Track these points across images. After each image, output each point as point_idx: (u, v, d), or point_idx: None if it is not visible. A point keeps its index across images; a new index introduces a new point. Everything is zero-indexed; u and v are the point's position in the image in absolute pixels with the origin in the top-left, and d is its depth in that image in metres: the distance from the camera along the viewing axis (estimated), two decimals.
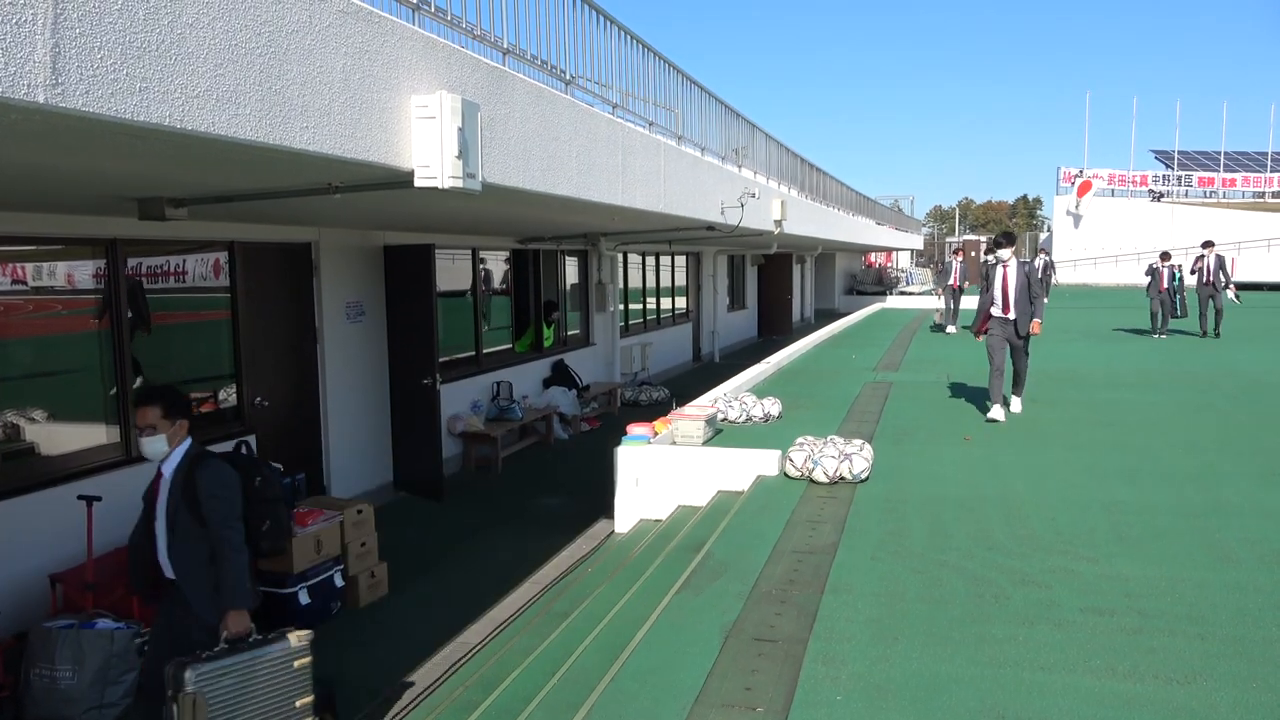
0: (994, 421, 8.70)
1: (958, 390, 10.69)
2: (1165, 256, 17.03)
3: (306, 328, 8.21)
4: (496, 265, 11.72)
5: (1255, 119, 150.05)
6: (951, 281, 19.09)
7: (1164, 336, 16.63)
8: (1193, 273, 16.63)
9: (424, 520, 8.51)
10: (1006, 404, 9.01)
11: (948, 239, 50.95)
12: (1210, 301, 16.39)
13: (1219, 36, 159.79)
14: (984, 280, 9.02)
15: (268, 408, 7.62)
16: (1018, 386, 9.24)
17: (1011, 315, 8.74)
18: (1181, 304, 16.68)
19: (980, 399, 9.69)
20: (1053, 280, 28.46)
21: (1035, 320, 8.79)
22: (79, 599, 5.22)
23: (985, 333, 8.96)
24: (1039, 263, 24.51)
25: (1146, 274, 17.36)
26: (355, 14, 3.62)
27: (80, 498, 5.47)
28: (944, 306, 19.36)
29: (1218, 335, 16.23)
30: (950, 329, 18.14)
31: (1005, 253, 8.86)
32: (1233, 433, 8.22)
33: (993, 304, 8.83)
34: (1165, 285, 16.63)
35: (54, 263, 5.96)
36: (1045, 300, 8.78)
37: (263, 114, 3.13)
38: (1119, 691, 3.49)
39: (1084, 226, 43.00)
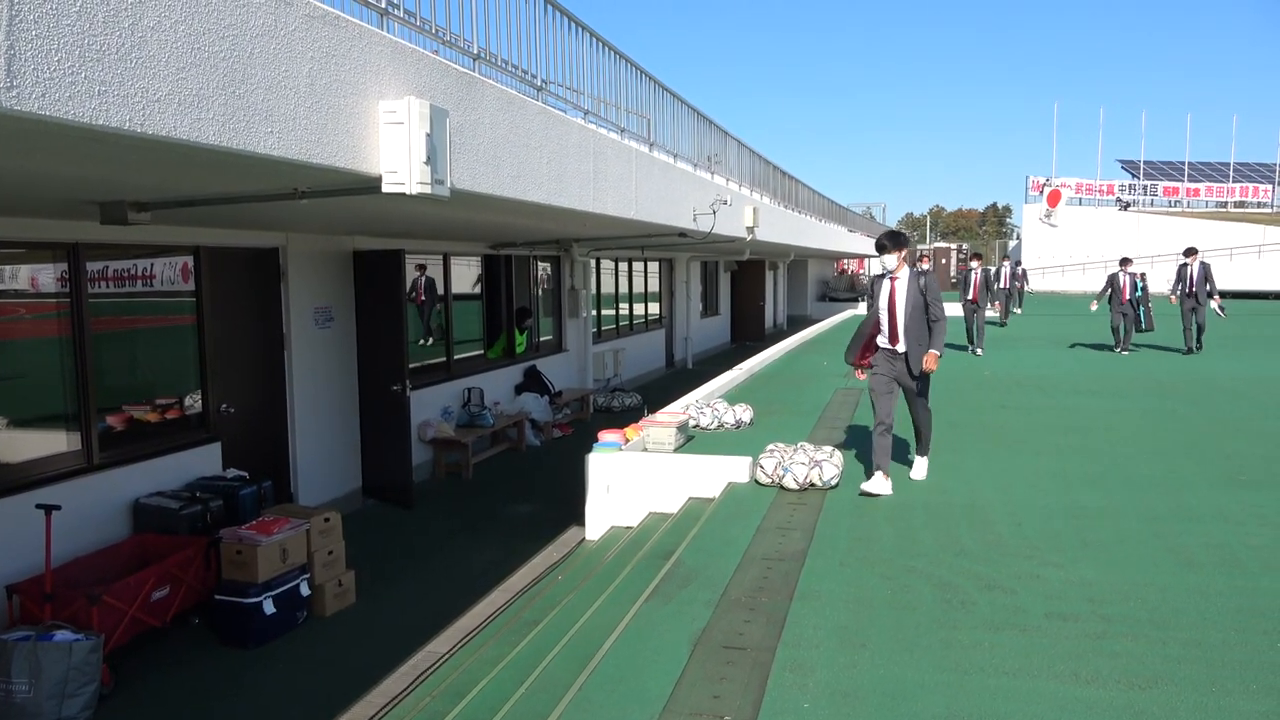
0: (871, 495, 6.33)
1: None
2: (1125, 263, 15.25)
3: (274, 333, 8.11)
4: (469, 271, 11.68)
5: (1218, 130, 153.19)
6: (970, 295, 15.93)
7: (1128, 353, 15.23)
8: (1178, 283, 14.90)
9: (393, 528, 8.44)
10: (911, 464, 7.00)
11: (919, 246, 51.47)
12: (1193, 314, 14.84)
13: (1184, 49, 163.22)
14: (868, 299, 6.76)
15: (234, 414, 7.53)
16: (920, 443, 6.91)
17: (900, 347, 6.40)
18: (1147, 316, 15.04)
19: (946, 403, 9.76)
20: (1025, 288, 28.94)
21: (931, 353, 6.33)
22: (37, 610, 5.12)
23: (867, 367, 6.67)
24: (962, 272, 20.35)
25: (1105, 286, 15.25)
26: (321, 18, 3.60)
27: (39, 506, 5.36)
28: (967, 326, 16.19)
29: (1199, 348, 14.96)
30: (978, 351, 15.67)
31: (890, 260, 6.37)
32: (1195, 438, 8.34)
33: (878, 331, 6.56)
34: (1127, 297, 14.93)
35: (15, 266, 5.85)
36: (944, 323, 6.37)
37: (226, 119, 3.09)
38: (1082, 696, 3.52)
39: (1053, 235, 43.79)
